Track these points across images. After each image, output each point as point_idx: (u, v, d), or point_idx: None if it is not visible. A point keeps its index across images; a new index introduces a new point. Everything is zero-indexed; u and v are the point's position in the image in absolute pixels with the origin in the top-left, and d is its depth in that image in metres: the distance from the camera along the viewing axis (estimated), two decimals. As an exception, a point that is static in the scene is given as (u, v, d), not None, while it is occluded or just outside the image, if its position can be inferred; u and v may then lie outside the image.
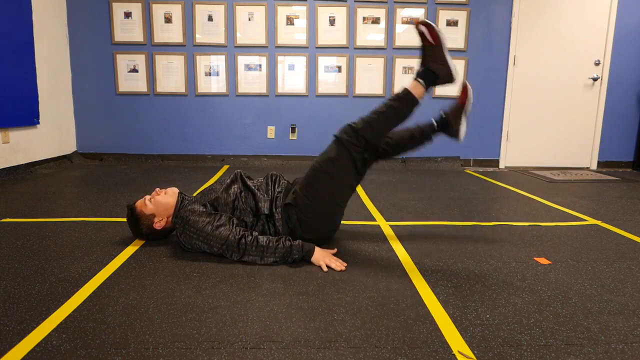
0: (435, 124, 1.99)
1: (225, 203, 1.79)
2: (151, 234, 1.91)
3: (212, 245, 1.71)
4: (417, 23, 1.78)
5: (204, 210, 1.76)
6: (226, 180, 1.91)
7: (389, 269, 1.71)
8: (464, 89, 1.96)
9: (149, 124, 4.42)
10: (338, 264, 1.69)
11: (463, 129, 1.97)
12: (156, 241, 1.96)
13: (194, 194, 2.09)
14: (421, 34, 1.78)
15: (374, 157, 1.97)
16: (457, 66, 4.38)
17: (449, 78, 1.79)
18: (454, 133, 1.98)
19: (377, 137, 1.80)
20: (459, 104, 1.97)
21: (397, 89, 4.40)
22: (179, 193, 1.91)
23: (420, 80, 1.77)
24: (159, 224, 1.87)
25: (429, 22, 1.77)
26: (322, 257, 1.71)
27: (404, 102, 1.78)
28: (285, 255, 1.69)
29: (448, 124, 1.97)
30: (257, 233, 1.72)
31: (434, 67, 1.77)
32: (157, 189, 1.91)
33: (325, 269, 1.67)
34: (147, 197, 1.89)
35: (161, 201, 1.86)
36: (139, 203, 1.89)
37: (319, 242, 1.92)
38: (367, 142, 1.77)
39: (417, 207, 2.71)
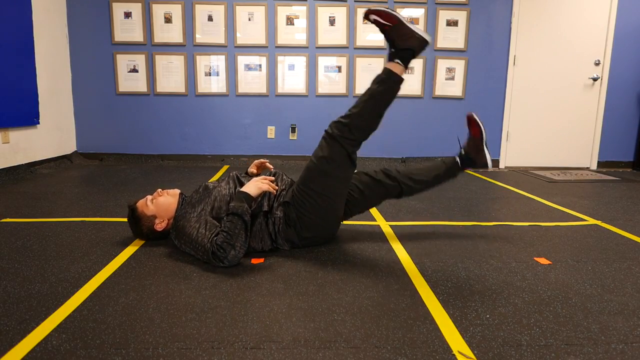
0: (458, 161, 2.00)
1: (220, 207, 1.77)
2: (152, 235, 1.91)
3: (197, 251, 1.68)
4: (365, 15, 1.76)
5: (194, 214, 1.75)
6: (221, 180, 1.91)
7: (389, 269, 1.71)
8: (472, 122, 1.96)
9: (149, 124, 4.42)
10: (270, 185, 1.72)
11: (488, 157, 1.98)
12: (156, 241, 1.96)
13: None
14: (376, 23, 1.75)
15: (395, 194, 1.96)
16: (457, 66, 4.38)
17: (423, 44, 1.75)
18: (480, 165, 1.99)
19: (370, 124, 1.76)
20: (475, 137, 1.97)
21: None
22: (180, 194, 1.91)
23: (398, 61, 1.73)
24: (159, 226, 1.86)
25: (374, 8, 1.74)
26: (257, 187, 1.72)
27: (388, 82, 1.74)
28: (243, 224, 1.63)
29: (471, 160, 1.99)
30: (219, 235, 1.64)
31: (404, 44, 1.73)
32: (159, 189, 1.90)
33: (267, 188, 1.71)
34: (149, 197, 1.88)
35: (163, 202, 1.85)
36: (140, 203, 1.88)
37: (322, 240, 1.92)
38: (362, 131, 1.75)
39: (417, 207, 2.71)
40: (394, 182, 1.94)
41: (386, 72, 1.74)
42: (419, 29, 1.74)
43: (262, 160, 2.11)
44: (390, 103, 1.78)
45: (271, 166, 2.11)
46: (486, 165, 1.97)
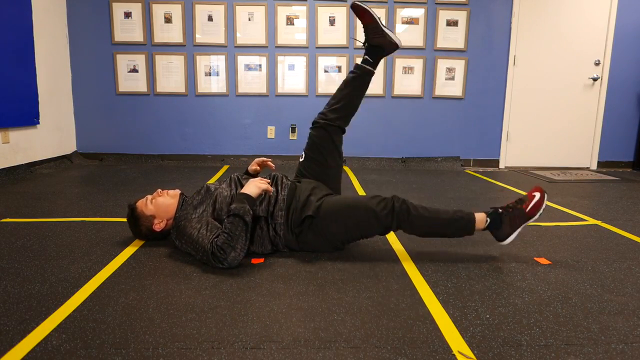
0: (368, 57, 2.04)
1: (221, 208, 1.77)
2: (150, 235, 1.90)
3: (197, 252, 1.67)
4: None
5: (196, 215, 1.74)
6: (222, 182, 1.91)
7: (389, 269, 1.71)
8: (360, 10, 1.96)
9: (149, 124, 4.42)
10: (268, 186, 1.74)
11: (391, 34, 2.00)
12: (156, 241, 1.96)
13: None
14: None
15: (343, 129, 2.07)
16: (457, 66, 4.38)
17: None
18: (388, 46, 2.03)
19: (420, 233, 1.79)
20: (369, 24, 1.99)
21: (397, 89, 4.41)
22: (180, 194, 1.90)
23: (488, 218, 1.75)
24: (158, 226, 1.85)
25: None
26: (256, 187, 1.72)
27: (462, 230, 1.76)
28: (244, 226, 1.63)
29: (376, 48, 2.03)
30: (219, 236, 1.63)
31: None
32: (159, 190, 1.90)
33: (265, 187, 1.72)
34: (149, 197, 1.88)
35: (162, 203, 1.85)
36: (140, 203, 1.88)
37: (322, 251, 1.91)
38: (409, 228, 1.75)
39: (417, 207, 2.71)
40: (324, 128, 2.02)
41: (472, 223, 1.76)
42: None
43: (263, 158, 2.11)
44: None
45: (272, 164, 2.11)
46: (395, 45, 2.00)
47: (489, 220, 1.75)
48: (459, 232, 1.77)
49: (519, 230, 1.74)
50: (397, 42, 2.00)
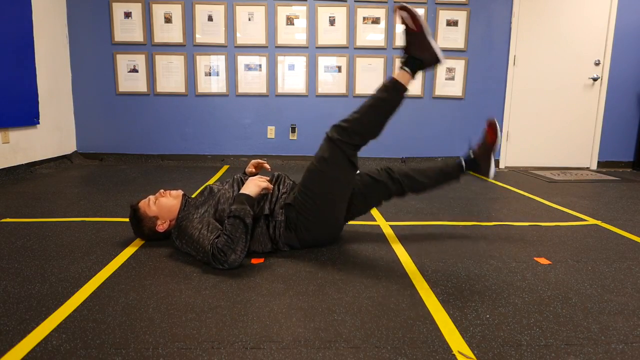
0: (464, 164, 1.99)
1: (223, 209, 1.77)
2: (153, 236, 1.90)
3: (197, 252, 1.67)
4: (396, 8, 1.74)
5: (197, 215, 1.75)
6: (225, 183, 1.91)
7: (389, 269, 1.71)
8: (492, 127, 1.94)
9: (149, 124, 4.42)
10: (268, 184, 1.76)
11: (493, 168, 1.97)
12: (156, 241, 1.96)
13: (194, 195, 2.08)
14: (402, 20, 1.74)
15: (397, 194, 1.96)
16: (457, 66, 4.38)
17: (434, 61, 1.76)
18: (483, 172, 1.99)
19: (370, 130, 1.75)
20: (489, 143, 1.95)
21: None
22: (183, 195, 1.90)
23: (406, 69, 1.74)
24: (161, 227, 1.86)
25: (409, 7, 1.73)
26: (256, 186, 1.74)
27: (392, 92, 1.74)
28: (244, 227, 1.63)
29: (477, 165, 1.98)
30: (220, 237, 1.64)
31: (417, 54, 1.74)
32: (162, 190, 1.90)
33: (265, 185, 1.74)
34: (152, 198, 1.88)
35: (165, 204, 1.85)
36: (142, 204, 1.87)
37: (322, 243, 1.91)
38: (360, 137, 1.73)
39: (417, 207, 2.71)
40: (396, 182, 1.94)
41: (391, 81, 1.74)
42: (437, 46, 1.75)
43: (259, 160, 2.11)
44: (392, 113, 1.76)
45: (268, 166, 2.10)
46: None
47: (408, 68, 1.73)
48: (394, 98, 1.74)
49: (431, 42, 1.71)
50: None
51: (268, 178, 1.84)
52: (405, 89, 1.74)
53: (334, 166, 1.74)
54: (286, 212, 1.80)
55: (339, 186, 1.78)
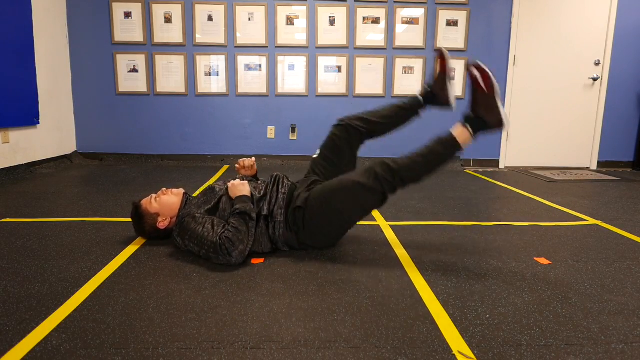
0: (421, 99, 1.97)
1: (224, 209, 1.78)
2: (154, 233, 1.91)
3: (201, 247, 1.68)
4: (470, 66, 1.69)
5: (199, 213, 1.76)
6: (227, 182, 1.92)
7: (389, 269, 1.71)
8: (441, 55, 1.90)
9: (149, 124, 4.42)
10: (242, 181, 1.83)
11: (452, 94, 1.91)
12: (156, 241, 1.96)
13: (195, 194, 2.09)
14: (474, 79, 1.68)
15: (360, 139, 1.96)
16: (457, 66, 4.38)
17: (498, 125, 1.70)
18: (444, 102, 1.95)
19: (415, 180, 1.72)
20: (441, 72, 1.91)
21: (397, 88, 4.40)
22: (184, 194, 1.93)
23: (468, 127, 1.70)
24: (162, 224, 1.87)
25: (483, 66, 1.67)
26: (244, 185, 1.81)
27: (448, 148, 1.70)
28: (251, 223, 1.70)
29: (435, 96, 1.95)
30: (226, 231, 1.66)
31: (483, 114, 1.69)
32: (164, 188, 1.93)
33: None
34: (154, 195, 1.90)
35: (166, 201, 1.87)
36: (144, 201, 1.90)
37: (321, 248, 1.90)
38: (403, 183, 1.70)
39: (417, 207, 2.71)
40: (351, 128, 1.94)
41: (450, 137, 1.71)
42: (504, 110, 1.69)
43: (245, 161, 2.08)
44: (442, 168, 1.74)
45: (239, 165, 2.10)
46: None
47: (469, 127, 1.69)
48: (448, 156, 1.71)
49: (499, 105, 1.67)
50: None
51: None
52: (461, 149, 1.71)
53: (367, 195, 1.71)
54: (293, 214, 1.78)
55: (360, 212, 1.77)
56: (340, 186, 1.74)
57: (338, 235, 1.86)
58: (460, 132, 1.71)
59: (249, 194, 1.78)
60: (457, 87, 4.42)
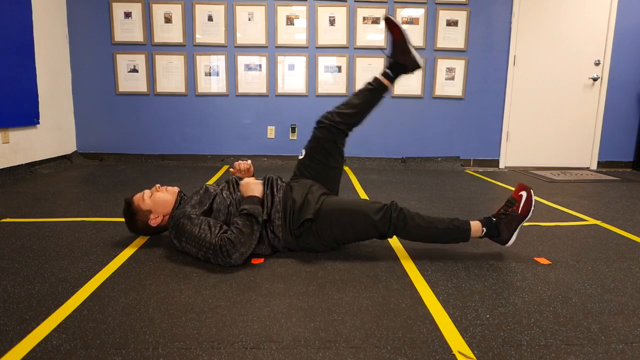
0: (388, 70, 2.03)
1: (218, 210, 1.77)
2: (147, 230, 1.90)
3: (199, 249, 1.66)
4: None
5: (195, 214, 1.73)
6: (222, 184, 1.90)
7: (389, 269, 1.71)
8: (391, 24, 1.98)
9: (149, 124, 4.42)
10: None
11: (416, 54, 2.00)
12: (156, 241, 1.96)
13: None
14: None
15: (343, 133, 2.06)
16: (457, 66, 4.38)
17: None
18: (410, 65, 2.02)
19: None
20: (397, 40, 1.99)
21: (397, 89, 4.40)
22: (178, 192, 1.90)
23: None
24: (154, 221, 1.85)
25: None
26: (258, 184, 1.83)
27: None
28: (257, 226, 1.69)
29: (400, 65, 2.03)
30: (228, 232, 1.66)
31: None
32: (158, 185, 1.90)
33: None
34: (147, 192, 1.88)
35: (160, 198, 1.85)
36: (136, 198, 1.87)
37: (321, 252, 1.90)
38: (395, 229, 1.76)
39: (417, 207, 2.71)
40: (331, 127, 2.02)
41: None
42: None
43: (241, 163, 2.07)
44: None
45: (246, 164, 2.10)
46: (417, 65, 2.00)
47: (485, 229, 1.79)
48: (455, 240, 1.82)
49: (517, 230, 1.79)
50: (420, 62, 2.00)
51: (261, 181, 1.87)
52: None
53: (373, 232, 1.77)
54: (297, 221, 1.77)
55: (358, 239, 1.83)
56: (355, 212, 1.77)
57: (333, 247, 1.86)
58: (476, 228, 1.80)
59: (260, 196, 1.77)
60: (457, 87, 4.42)
